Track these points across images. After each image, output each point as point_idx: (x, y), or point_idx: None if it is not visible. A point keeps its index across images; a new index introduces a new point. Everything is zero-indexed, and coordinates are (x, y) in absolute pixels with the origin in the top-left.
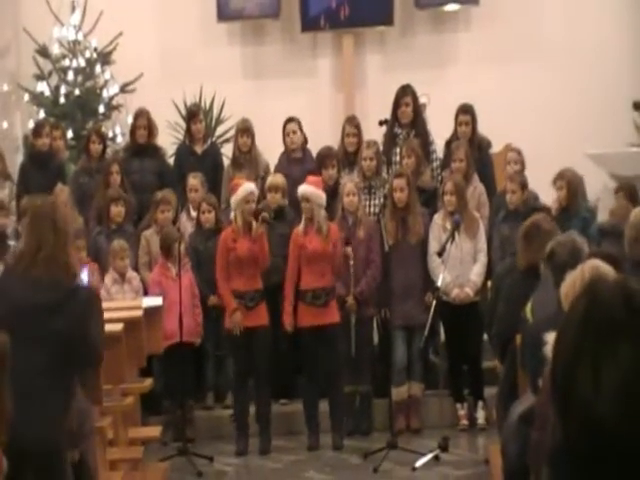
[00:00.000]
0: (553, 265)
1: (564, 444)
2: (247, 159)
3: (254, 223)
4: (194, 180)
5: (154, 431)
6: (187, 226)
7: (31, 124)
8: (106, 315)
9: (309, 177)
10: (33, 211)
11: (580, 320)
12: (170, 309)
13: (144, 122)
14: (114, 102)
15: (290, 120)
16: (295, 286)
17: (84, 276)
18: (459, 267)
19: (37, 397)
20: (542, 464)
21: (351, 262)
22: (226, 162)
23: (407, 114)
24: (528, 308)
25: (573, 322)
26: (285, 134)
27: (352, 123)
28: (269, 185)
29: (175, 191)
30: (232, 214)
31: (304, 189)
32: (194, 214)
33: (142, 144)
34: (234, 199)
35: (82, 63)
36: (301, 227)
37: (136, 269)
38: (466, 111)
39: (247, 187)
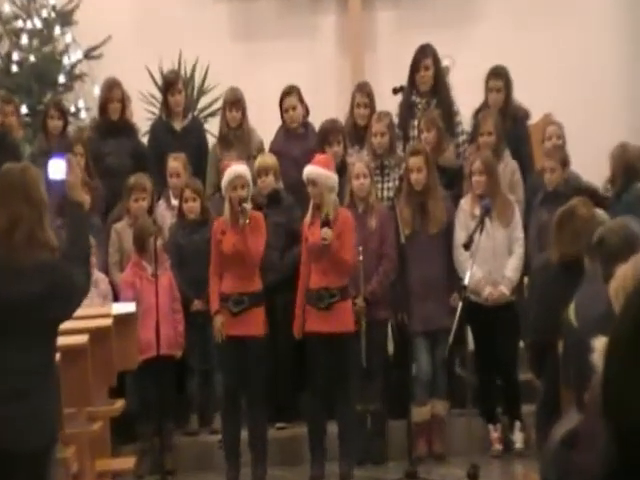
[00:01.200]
0: (602, 256)
1: (619, 467)
2: (237, 136)
3: (240, 215)
4: (175, 162)
5: (127, 462)
6: (166, 217)
7: None
8: (69, 325)
9: (317, 156)
10: (0, 181)
11: (637, 321)
12: (146, 316)
13: (117, 94)
14: (77, 70)
15: (288, 92)
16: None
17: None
18: (491, 261)
19: (25, 396)
20: None
21: (360, 257)
22: (211, 140)
23: (427, 80)
24: (571, 309)
25: (628, 324)
26: (283, 109)
27: (363, 91)
28: (258, 168)
29: (151, 175)
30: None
31: (311, 171)
32: (175, 202)
33: (115, 120)
34: (222, 184)
35: (38, 24)
36: (308, 216)
37: (105, 270)
38: (498, 75)
39: (234, 170)
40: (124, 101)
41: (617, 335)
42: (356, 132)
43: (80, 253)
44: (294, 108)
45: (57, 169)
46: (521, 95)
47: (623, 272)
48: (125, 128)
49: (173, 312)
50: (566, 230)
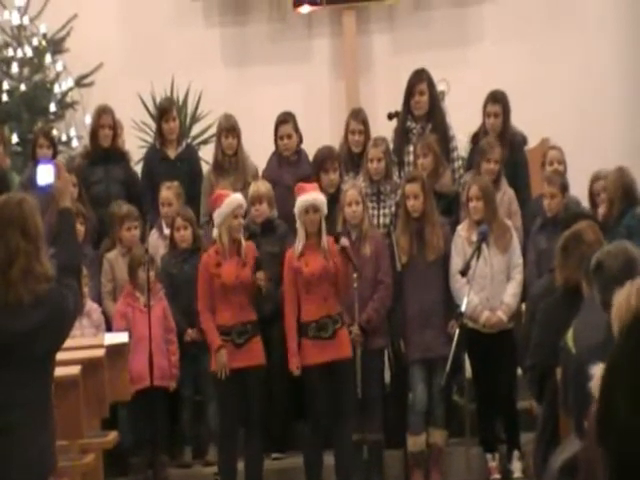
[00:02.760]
0: (601, 281)
1: None
2: (232, 163)
3: (243, 242)
4: (167, 192)
5: None
6: (159, 246)
7: None
8: (61, 356)
9: (305, 184)
10: None
11: (636, 349)
12: (138, 347)
13: (108, 121)
14: (68, 99)
15: (284, 121)
16: (296, 318)
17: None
18: (489, 287)
19: (12, 431)
20: None
21: (354, 285)
22: (205, 167)
23: (422, 104)
24: (569, 335)
25: (627, 352)
26: (278, 137)
27: (358, 118)
28: (252, 196)
29: (145, 204)
30: (215, 232)
31: (315, 197)
32: (167, 232)
33: (106, 148)
34: (218, 213)
35: (29, 53)
36: (300, 245)
37: (98, 300)
38: (496, 100)
39: (234, 199)
40: (115, 128)
41: (616, 363)
42: (351, 159)
43: (71, 261)
44: (289, 137)
45: (45, 174)
46: (516, 119)
47: (624, 297)
48: (116, 155)
49: (167, 343)
50: (572, 255)
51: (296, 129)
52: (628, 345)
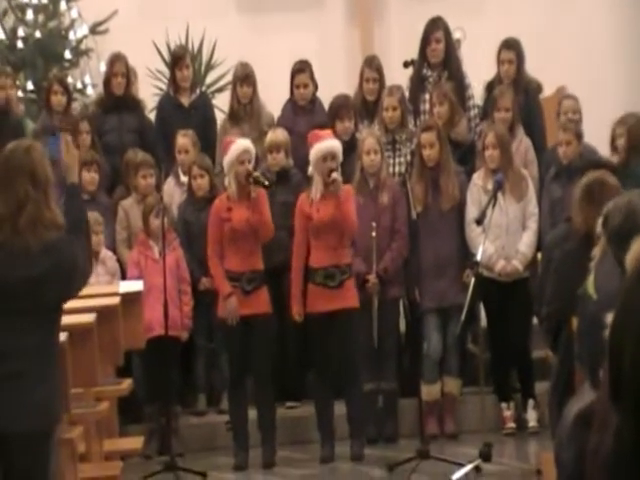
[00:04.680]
0: (607, 233)
1: (632, 448)
2: (248, 112)
3: (252, 187)
4: (184, 139)
5: (135, 443)
6: (176, 194)
7: None
8: (76, 303)
9: (319, 131)
10: (4, 161)
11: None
12: (148, 296)
13: (122, 69)
14: (82, 46)
15: (301, 70)
16: (304, 264)
17: None
18: (504, 236)
19: (19, 378)
20: (601, 472)
21: (373, 234)
22: (219, 116)
23: (438, 52)
24: (590, 282)
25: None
26: (294, 85)
27: (372, 65)
28: (268, 144)
29: (159, 151)
30: (226, 178)
31: (332, 144)
32: (184, 179)
33: (119, 96)
34: (226, 160)
35: None
36: (316, 192)
37: (113, 247)
38: (510, 47)
39: (240, 144)
40: (128, 76)
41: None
42: (365, 107)
43: (80, 235)
44: (306, 86)
45: (56, 148)
46: (533, 67)
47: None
48: (129, 103)
49: (180, 293)
50: (597, 200)
51: (312, 78)
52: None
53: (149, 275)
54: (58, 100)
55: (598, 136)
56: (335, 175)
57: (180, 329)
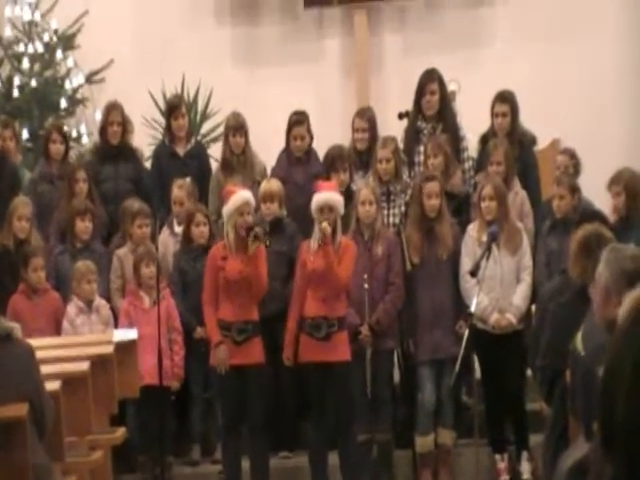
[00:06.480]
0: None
1: None
2: (240, 162)
3: (250, 242)
4: (179, 191)
5: None
6: (170, 244)
7: None
8: (70, 352)
9: (324, 182)
10: None
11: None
12: (140, 346)
13: (117, 118)
14: (79, 95)
15: (299, 122)
16: (301, 312)
17: None
18: (499, 289)
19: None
20: None
21: (365, 285)
22: (214, 165)
23: (433, 104)
24: (578, 338)
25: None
26: (291, 137)
27: (363, 116)
28: (263, 194)
29: (154, 201)
30: (225, 228)
31: (330, 197)
32: (178, 230)
33: (115, 145)
34: (226, 210)
35: (40, 48)
36: (314, 243)
37: (107, 296)
38: (504, 100)
39: (241, 196)
40: (124, 124)
41: (616, 370)
42: (358, 157)
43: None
44: (302, 138)
45: None
46: (527, 119)
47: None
48: (125, 152)
49: (171, 343)
50: (594, 253)
51: (309, 130)
52: (626, 345)
53: (139, 325)
54: (57, 149)
55: (595, 187)
56: (324, 225)
57: (171, 378)
